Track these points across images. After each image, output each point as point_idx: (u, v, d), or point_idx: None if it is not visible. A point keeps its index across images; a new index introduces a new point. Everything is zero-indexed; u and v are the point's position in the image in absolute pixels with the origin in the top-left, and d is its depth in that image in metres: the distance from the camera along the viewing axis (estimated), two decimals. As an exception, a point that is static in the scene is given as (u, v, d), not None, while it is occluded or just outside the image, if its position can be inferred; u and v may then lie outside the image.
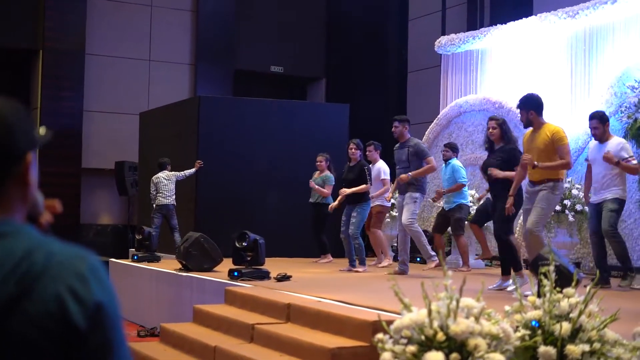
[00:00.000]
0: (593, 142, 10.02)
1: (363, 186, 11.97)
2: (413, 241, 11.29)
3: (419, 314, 5.22)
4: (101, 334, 1.66)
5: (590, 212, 9.93)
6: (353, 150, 12.33)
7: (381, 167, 13.08)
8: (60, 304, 1.63)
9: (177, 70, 19.68)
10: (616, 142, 9.68)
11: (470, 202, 12.86)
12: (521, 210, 9.07)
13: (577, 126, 12.45)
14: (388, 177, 13.11)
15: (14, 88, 18.51)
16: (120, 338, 1.71)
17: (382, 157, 13.30)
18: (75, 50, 18.35)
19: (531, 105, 8.69)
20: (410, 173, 10.89)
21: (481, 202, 12.28)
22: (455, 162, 12.60)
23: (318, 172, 13.71)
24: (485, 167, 9.47)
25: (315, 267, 12.87)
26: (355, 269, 12.02)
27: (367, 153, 12.97)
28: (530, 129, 8.79)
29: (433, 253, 11.20)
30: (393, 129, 11.29)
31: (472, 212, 12.67)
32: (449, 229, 12.61)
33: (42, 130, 1.88)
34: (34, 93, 18.37)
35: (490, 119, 9.61)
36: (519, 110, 8.82)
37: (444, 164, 12.77)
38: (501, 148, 9.38)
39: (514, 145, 9.41)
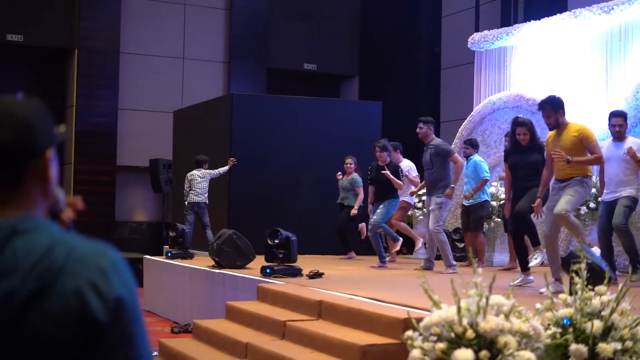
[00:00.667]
0: (607, 141, 9.96)
1: (400, 182, 12.07)
2: None
3: (448, 311, 5.21)
4: (122, 328, 1.68)
5: (601, 210, 9.87)
6: (378, 153, 12.38)
7: (408, 166, 13.26)
8: (81, 298, 1.64)
9: (211, 68, 19.77)
10: (633, 141, 9.68)
11: (503, 200, 12.81)
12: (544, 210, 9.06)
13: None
14: (415, 172, 13.21)
15: (50, 87, 18.71)
16: (140, 332, 1.72)
17: (414, 154, 13.33)
18: (110, 49, 18.51)
19: (560, 106, 8.63)
20: (452, 185, 11.03)
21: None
22: (476, 157, 12.58)
23: (345, 175, 13.75)
24: (516, 164, 9.48)
25: (347, 265, 12.88)
26: (383, 266, 12.12)
27: (418, 130, 12.78)
28: (553, 131, 8.74)
29: (454, 263, 11.15)
30: (418, 130, 11.35)
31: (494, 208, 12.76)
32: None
33: (61, 128, 1.89)
34: (70, 92, 18.55)
35: (519, 124, 9.54)
36: (544, 111, 8.68)
37: (465, 161, 12.73)
38: (534, 145, 9.43)
39: (538, 145, 9.47)
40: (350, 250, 14.07)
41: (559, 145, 8.57)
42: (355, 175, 13.68)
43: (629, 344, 5.42)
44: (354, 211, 13.44)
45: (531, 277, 9.40)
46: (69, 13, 18.39)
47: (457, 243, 13.69)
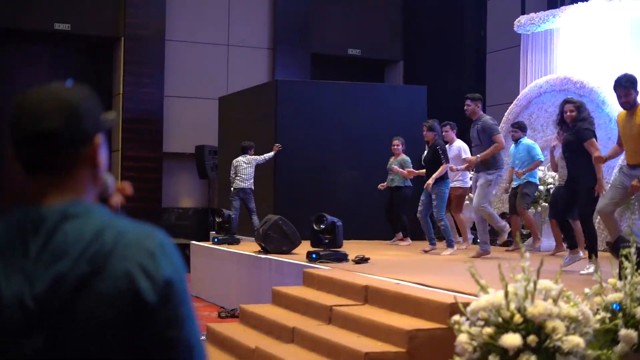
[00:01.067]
0: None
1: (440, 168, 11.87)
2: None
3: (495, 295, 5.18)
4: (171, 310, 1.70)
5: None
6: (425, 132, 12.28)
7: (461, 146, 12.96)
8: (131, 281, 1.67)
9: (255, 55, 19.80)
10: None
11: (551, 184, 12.72)
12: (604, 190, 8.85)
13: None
14: (469, 154, 13.00)
15: (97, 75, 18.88)
16: (189, 314, 1.74)
17: (461, 137, 13.22)
18: (155, 37, 18.62)
19: (637, 85, 8.28)
20: (478, 155, 10.80)
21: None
22: (527, 140, 12.46)
23: (394, 156, 13.69)
24: (563, 145, 9.31)
25: (393, 250, 12.86)
26: (434, 248, 12.05)
27: (443, 134, 12.86)
28: (623, 111, 8.50)
29: (504, 223, 11.08)
30: (465, 107, 11.21)
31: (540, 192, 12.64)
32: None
33: (110, 114, 1.92)
34: (117, 80, 18.71)
35: (567, 102, 9.26)
36: (624, 89, 8.29)
37: (513, 144, 12.60)
38: (574, 126, 9.07)
39: (587, 124, 9.08)
40: (406, 235, 13.97)
41: (629, 130, 8.33)
42: (404, 156, 13.62)
43: (680, 329, 5.36)
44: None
45: (580, 254, 9.27)
46: (115, 1, 18.53)
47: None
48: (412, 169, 13.30)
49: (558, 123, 9.53)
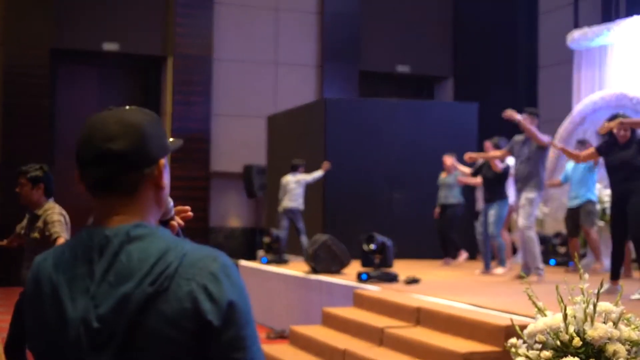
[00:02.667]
0: None
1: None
2: None
3: (554, 318, 5.02)
4: (234, 331, 1.73)
5: None
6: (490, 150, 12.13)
7: (510, 164, 12.37)
8: (194, 302, 1.71)
9: (303, 73, 19.74)
10: None
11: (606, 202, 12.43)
12: None
13: None
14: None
15: (145, 95, 18.96)
16: (252, 335, 1.77)
17: None
18: (203, 56, 18.63)
19: None
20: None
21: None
22: None
23: (445, 172, 13.51)
24: (620, 161, 8.81)
25: (444, 270, 12.66)
26: (490, 272, 11.76)
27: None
28: None
29: (541, 267, 10.45)
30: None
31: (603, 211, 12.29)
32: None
33: (175, 140, 2.00)
34: (165, 99, 18.75)
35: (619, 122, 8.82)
36: None
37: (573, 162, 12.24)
38: (631, 140, 8.73)
39: None
40: (458, 251, 13.74)
41: None
42: (458, 172, 13.41)
43: None
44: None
45: (619, 287, 8.95)
46: (163, 21, 18.60)
47: (557, 248, 13.32)
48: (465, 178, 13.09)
49: (607, 139, 9.16)
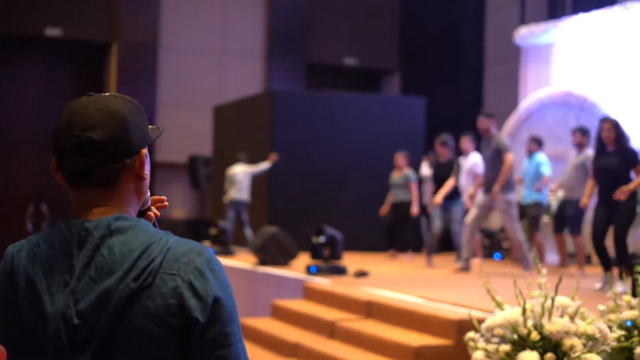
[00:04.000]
0: None
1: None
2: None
3: (512, 312, 5.05)
4: (219, 328, 1.69)
5: None
6: (439, 148, 12.20)
7: (476, 161, 12.04)
8: (179, 298, 1.66)
9: (250, 63, 19.63)
10: None
11: (551, 199, 12.58)
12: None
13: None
14: (481, 169, 12.55)
15: (89, 82, 18.67)
16: (237, 332, 1.73)
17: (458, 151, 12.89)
18: (149, 44, 18.41)
19: None
20: (496, 187, 10.46)
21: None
22: (541, 156, 12.18)
23: (396, 171, 13.47)
24: (600, 169, 8.93)
25: (392, 263, 12.71)
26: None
27: (480, 125, 12.11)
28: None
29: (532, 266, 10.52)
30: (480, 125, 10.85)
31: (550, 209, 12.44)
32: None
33: (152, 127, 1.92)
34: (108, 86, 18.48)
35: (603, 121, 8.98)
36: None
37: (527, 157, 12.31)
38: (619, 148, 8.80)
39: (629, 144, 8.88)
40: (407, 250, 13.76)
41: None
42: (408, 171, 13.40)
43: (698, 347, 5.25)
44: (414, 209, 13.14)
45: (612, 278, 9.09)
46: (108, 7, 18.31)
47: (502, 242, 13.47)
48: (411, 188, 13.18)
49: (596, 141, 9.17)
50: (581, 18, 14.21)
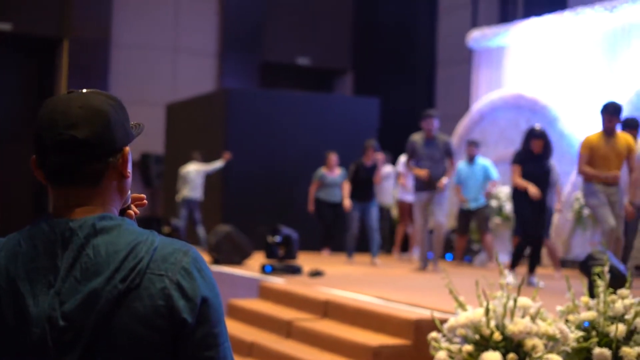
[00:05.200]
0: None
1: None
2: None
3: (475, 312, 5.09)
4: (207, 329, 1.67)
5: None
6: (371, 152, 12.53)
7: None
8: (167, 299, 1.64)
9: (203, 61, 19.56)
10: None
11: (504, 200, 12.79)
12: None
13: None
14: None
15: (39, 77, 18.43)
16: (224, 332, 1.72)
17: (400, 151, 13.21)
18: (101, 40, 18.23)
19: (621, 115, 8.94)
20: (446, 179, 10.88)
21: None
22: (483, 159, 12.51)
23: (326, 168, 13.73)
24: (534, 176, 9.53)
25: (346, 263, 12.75)
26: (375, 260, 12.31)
27: (429, 126, 12.27)
28: (597, 133, 8.93)
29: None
30: (428, 126, 11.03)
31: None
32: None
33: (134, 123, 1.90)
34: (59, 82, 18.26)
35: (535, 136, 9.62)
36: (610, 116, 8.85)
37: (467, 161, 12.53)
38: (546, 156, 9.63)
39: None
40: (327, 246, 14.03)
41: (612, 151, 8.81)
42: (342, 169, 13.71)
43: (653, 348, 5.34)
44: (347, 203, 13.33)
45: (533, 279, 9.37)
46: (60, 1, 18.10)
47: (453, 243, 13.61)
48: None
49: (523, 148, 9.80)
50: (533, 22, 14.40)
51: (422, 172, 10.78)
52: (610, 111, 8.84)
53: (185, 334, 1.65)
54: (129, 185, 1.81)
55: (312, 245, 13.99)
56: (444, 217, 11.07)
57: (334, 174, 13.60)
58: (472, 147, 12.47)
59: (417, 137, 11.06)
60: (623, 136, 8.87)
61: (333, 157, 13.58)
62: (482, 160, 12.41)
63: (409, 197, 12.81)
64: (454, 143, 13.92)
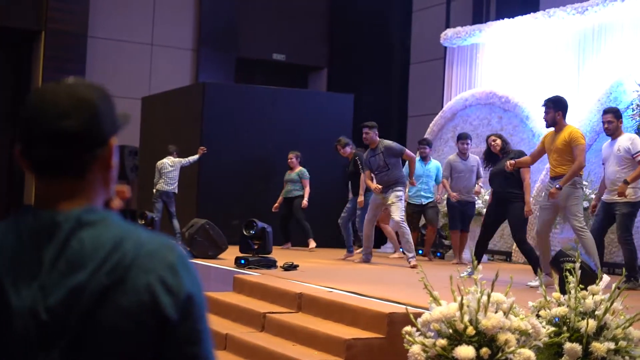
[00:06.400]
0: (606, 142, 10.00)
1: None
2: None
3: (449, 307, 5.17)
4: (191, 325, 1.66)
5: (598, 209, 9.91)
6: (340, 150, 12.87)
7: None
8: (152, 295, 1.62)
9: (179, 56, 19.55)
10: (626, 137, 9.67)
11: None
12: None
13: (584, 123, 12.43)
14: None
15: (15, 69, 18.34)
16: (207, 329, 1.70)
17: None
18: (77, 33, 18.17)
19: (560, 107, 9.06)
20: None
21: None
22: (435, 161, 13.01)
23: (290, 169, 14.12)
24: (495, 175, 10.02)
25: (319, 257, 12.84)
26: (351, 255, 12.50)
27: (364, 136, 12.46)
28: (552, 129, 9.13)
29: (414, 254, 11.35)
30: (364, 136, 11.44)
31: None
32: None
33: (125, 114, 1.87)
34: (35, 75, 18.19)
35: (489, 136, 10.49)
36: (545, 108, 9.11)
37: (421, 160, 12.85)
38: (508, 154, 10.01)
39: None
40: (288, 241, 14.26)
41: (553, 145, 9.02)
42: (302, 169, 14.05)
43: (622, 343, 5.44)
44: (305, 203, 13.70)
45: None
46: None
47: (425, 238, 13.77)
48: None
49: (485, 156, 10.53)
50: (505, 22, 14.56)
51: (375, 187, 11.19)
52: (546, 103, 9.14)
53: (170, 330, 1.63)
54: (114, 177, 1.78)
55: (283, 239, 14.08)
56: (400, 218, 11.19)
57: (291, 173, 14.06)
58: (424, 148, 12.91)
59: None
60: (567, 129, 9.02)
61: (289, 156, 14.16)
62: (435, 161, 12.97)
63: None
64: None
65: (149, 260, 1.64)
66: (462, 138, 12.25)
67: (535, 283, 8.79)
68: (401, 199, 11.22)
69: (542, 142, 9.28)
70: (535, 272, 8.85)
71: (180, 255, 1.69)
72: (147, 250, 1.65)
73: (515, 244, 10.10)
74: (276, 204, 14.10)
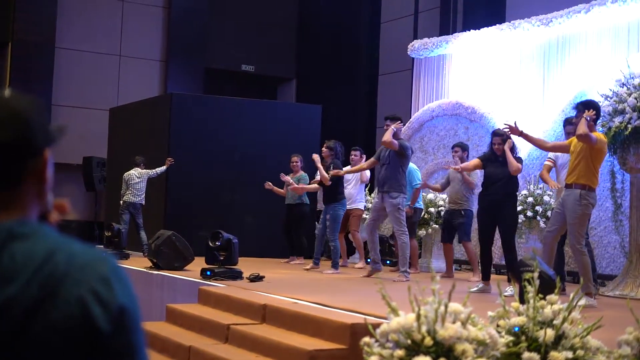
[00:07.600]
0: None
1: (314, 186, 12.55)
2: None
3: (407, 318, 5.20)
4: (124, 338, 1.63)
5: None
6: (325, 152, 12.61)
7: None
8: (84, 307, 1.58)
9: (148, 67, 19.53)
10: None
11: (442, 207, 12.97)
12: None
13: (549, 134, 12.54)
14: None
15: (-19, 80, 18.27)
16: (141, 342, 1.68)
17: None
18: (45, 44, 18.12)
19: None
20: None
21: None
22: (411, 165, 12.68)
23: (292, 173, 13.68)
24: (495, 177, 9.76)
25: (287, 268, 12.84)
26: (317, 267, 12.32)
27: (352, 157, 13.00)
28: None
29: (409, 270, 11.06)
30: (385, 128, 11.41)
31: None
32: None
33: (60, 127, 1.81)
34: (2, 86, 18.10)
35: (496, 134, 9.96)
36: (577, 112, 8.78)
37: None
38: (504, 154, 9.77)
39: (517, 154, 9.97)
40: (301, 255, 13.88)
41: (575, 150, 8.78)
42: (303, 173, 13.67)
43: (580, 352, 5.47)
44: (289, 179, 13.40)
45: (490, 287, 9.55)
46: (3, 5, 17.94)
47: (393, 248, 13.76)
48: (305, 185, 13.36)
49: (488, 151, 10.16)
50: (471, 35, 14.68)
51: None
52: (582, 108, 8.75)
53: (102, 344, 1.60)
54: (48, 190, 1.75)
55: (253, 251, 14.02)
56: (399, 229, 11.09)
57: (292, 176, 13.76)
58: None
59: None
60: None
61: (292, 159, 13.84)
62: (410, 166, 12.65)
63: (353, 205, 13.09)
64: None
65: (81, 272, 1.60)
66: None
67: (511, 293, 8.85)
68: (400, 208, 10.92)
69: (570, 141, 8.99)
70: (509, 281, 8.93)
71: (114, 267, 1.67)
72: (80, 263, 1.62)
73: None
74: (273, 187, 13.81)
